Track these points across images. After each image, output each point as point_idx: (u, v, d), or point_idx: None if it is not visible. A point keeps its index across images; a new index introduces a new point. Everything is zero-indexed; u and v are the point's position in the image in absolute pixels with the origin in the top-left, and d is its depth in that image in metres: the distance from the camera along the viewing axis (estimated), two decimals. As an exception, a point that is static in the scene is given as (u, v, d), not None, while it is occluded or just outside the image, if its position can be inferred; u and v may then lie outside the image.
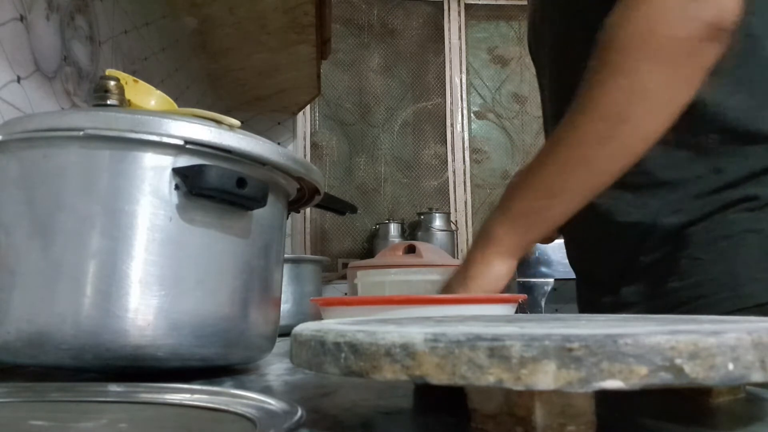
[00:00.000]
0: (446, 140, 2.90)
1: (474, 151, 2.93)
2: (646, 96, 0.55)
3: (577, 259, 0.79)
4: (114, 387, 0.35)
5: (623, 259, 0.69)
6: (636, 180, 0.63)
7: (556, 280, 2.09)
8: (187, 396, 0.33)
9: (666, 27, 0.54)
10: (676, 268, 0.64)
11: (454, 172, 2.87)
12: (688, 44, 0.53)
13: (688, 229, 0.63)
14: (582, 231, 0.72)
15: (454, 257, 2.19)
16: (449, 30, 2.97)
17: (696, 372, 0.23)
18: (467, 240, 2.80)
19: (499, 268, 0.64)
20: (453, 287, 0.66)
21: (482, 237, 0.65)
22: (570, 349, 0.23)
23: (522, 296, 0.63)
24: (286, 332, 0.40)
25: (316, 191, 0.58)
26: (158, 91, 0.56)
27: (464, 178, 2.88)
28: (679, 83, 0.55)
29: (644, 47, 0.54)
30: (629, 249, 0.68)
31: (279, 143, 0.63)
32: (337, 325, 0.32)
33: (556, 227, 0.68)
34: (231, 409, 0.30)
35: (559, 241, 0.80)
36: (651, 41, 0.54)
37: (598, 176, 0.60)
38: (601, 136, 0.57)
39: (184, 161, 0.45)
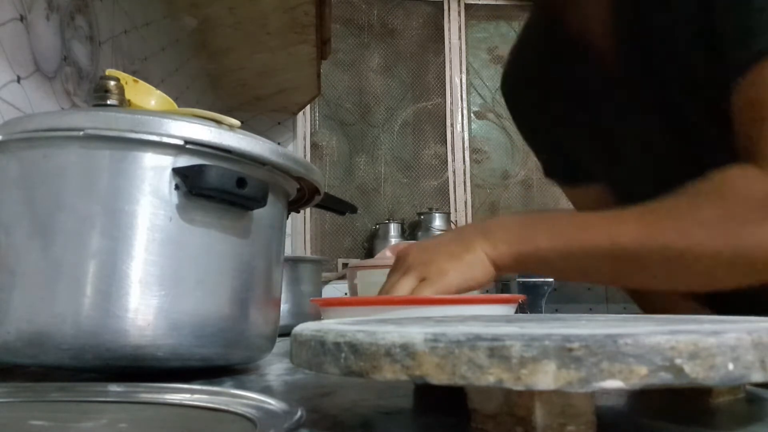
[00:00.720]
0: (446, 140, 2.90)
1: (474, 151, 2.93)
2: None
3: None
4: (114, 387, 0.35)
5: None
6: None
7: (556, 280, 2.09)
8: (187, 396, 0.33)
9: None
10: None
11: (454, 172, 2.87)
12: None
13: None
14: None
15: (454, 257, 2.18)
16: (449, 30, 2.97)
17: (696, 372, 0.23)
18: (467, 240, 2.79)
19: (481, 269, 0.61)
20: (423, 262, 0.63)
21: (484, 232, 0.63)
22: (570, 349, 0.23)
23: (521, 296, 0.63)
24: (286, 332, 0.40)
25: (316, 191, 0.58)
26: (158, 91, 0.56)
27: (464, 178, 2.88)
28: None
29: None
30: None
31: (279, 143, 0.63)
32: (337, 325, 0.32)
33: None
34: (231, 409, 0.30)
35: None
36: None
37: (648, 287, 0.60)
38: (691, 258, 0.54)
39: (184, 161, 0.45)
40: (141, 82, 0.55)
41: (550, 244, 0.60)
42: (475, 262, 0.61)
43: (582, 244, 0.58)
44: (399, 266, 0.65)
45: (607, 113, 0.71)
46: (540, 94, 0.80)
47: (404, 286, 0.61)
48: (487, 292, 0.63)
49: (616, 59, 0.67)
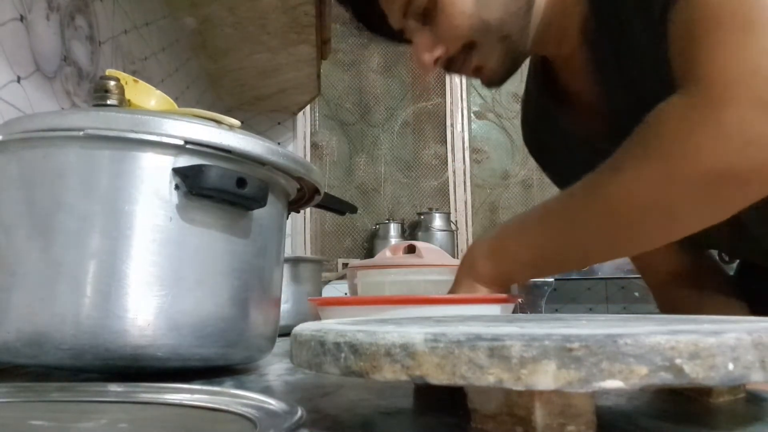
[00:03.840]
0: (446, 140, 2.90)
1: (474, 151, 2.93)
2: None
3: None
4: (114, 387, 0.35)
5: None
6: None
7: (556, 280, 2.09)
8: (187, 396, 0.33)
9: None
10: None
11: (454, 172, 2.87)
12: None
13: None
14: None
15: (454, 257, 2.18)
16: (449, 30, 2.96)
17: (696, 372, 0.23)
18: (467, 240, 2.80)
19: (482, 293, 0.63)
20: None
21: (467, 263, 0.66)
22: (570, 349, 0.23)
23: (520, 296, 0.63)
24: (286, 332, 0.40)
25: (316, 191, 0.58)
26: (158, 91, 0.56)
27: (464, 178, 2.88)
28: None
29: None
30: None
31: (279, 143, 0.63)
32: (337, 325, 0.32)
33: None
34: (231, 409, 0.30)
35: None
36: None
37: (601, 258, 0.59)
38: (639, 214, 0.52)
39: (184, 161, 0.45)
40: (141, 82, 0.55)
41: (514, 244, 0.62)
42: (469, 293, 0.64)
43: (540, 232, 0.60)
44: None
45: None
46: (542, 139, 0.81)
47: None
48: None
49: (603, 113, 0.67)
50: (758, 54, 0.46)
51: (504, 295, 0.61)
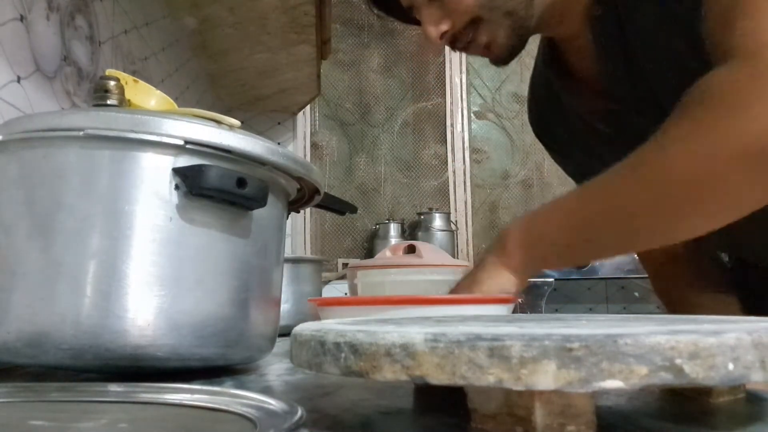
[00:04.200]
0: (446, 140, 2.90)
1: (474, 151, 2.93)
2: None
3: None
4: (114, 387, 0.35)
5: None
6: None
7: (556, 280, 2.09)
8: (187, 396, 0.33)
9: None
10: None
11: (454, 172, 2.87)
12: None
13: None
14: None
15: (454, 257, 2.19)
16: (449, 30, 2.96)
17: (696, 372, 0.23)
18: (467, 240, 2.79)
19: (506, 279, 0.62)
20: (458, 288, 0.65)
21: (498, 245, 0.63)
22: (570, 349, 0.23)
23: (520, 296, 0.63)
24: (286, 332, 0.40)
25: (316, 191, 0.58)
26: (158, 91, 0.56)
27: (464, 178, 2.88)
28: None
29: None
30: None
31: (279, 143, 0.63)
32: (337, 325, 0.32)
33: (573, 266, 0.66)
34: (231, 409, 0.30)
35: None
36: None
37: (648, 242, 0.55)
38: (677, 205, 0.51)
39: (184, 161, 0.45)
40: (141, 82, 0.55)
41: (549, 225, 0.60)
42: (492, 279, 0.62)
43: (579, 210, 0.57)
44: None
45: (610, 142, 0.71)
46: (548, 120, 0.81)
47: None
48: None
49: (609, 91, 0.66)
50: None
51: (504, 296, 0.61)
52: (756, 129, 0.46)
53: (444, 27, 0.66)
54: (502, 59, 0.68)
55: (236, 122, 0.48)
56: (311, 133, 2.78)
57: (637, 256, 0.85)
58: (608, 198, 0.55)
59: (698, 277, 0.79)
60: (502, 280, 0.62)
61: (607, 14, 0.61)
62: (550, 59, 0.75)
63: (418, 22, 0.69)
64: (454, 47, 0.69)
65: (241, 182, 0.44)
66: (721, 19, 0.51)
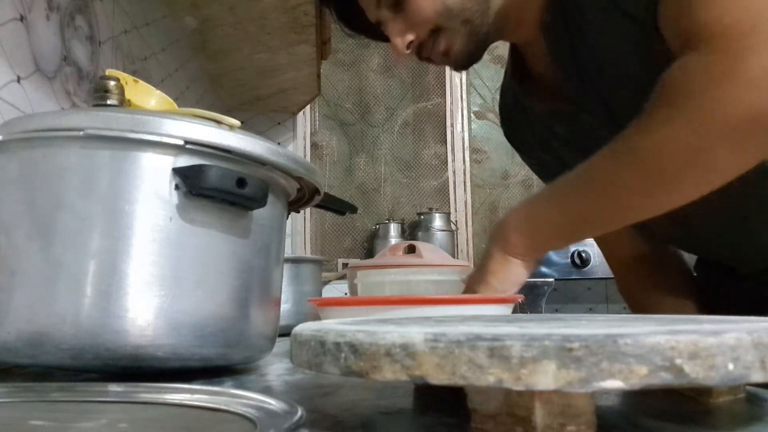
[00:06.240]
0: (446, 140, 2.90)
1: (474, 151, 2.93)
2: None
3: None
4: (114, 387, 0.35)
5: None
6: None
7: (556, 280, 2.09)
8: (187, 396, 0.33)
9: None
10: None
11: (454, 172, 2.87)
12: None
13: None
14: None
15: (454, 257, 2.19)
16: (449, 30, 2.96)
17: (696, 372, 0.23)
18: (467, 240, 2.79)
19: (517, 267, 0.64)
20: (473, 285, 0.67)
21: (499, 237, 0.65)
22: (570, 349, 0.23)
23: (520, 296, 0.63)
24: (286, 332, 0.40)
25: (316, 191, 0.58)
26: (158, 91, 0.56)
27: (464, 178, 2.88)
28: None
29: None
30: None
31: (279, 143, 0.63)
32: (337, 325, 0.32)
33: (573, 243, 0.68)
34: (231, 409, 0.30)
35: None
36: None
37: (644, 214, 0.58)
38: (659, 181, 0.54)
39: (184, 161, 0.45)
40: (141, 82, 0.55)
41: (549, 210, 0.63)
42: (504, 268, 0.64)
43: (580, 189, 0.60)
44: None
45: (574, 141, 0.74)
46: (516, 124, 0.84)
47: None
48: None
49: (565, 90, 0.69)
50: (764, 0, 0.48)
51: (503, 296, 0.61)
52: (739, 108, 0.49)
53: (410, 37, 0.70)
54: (460, 65, 0.72)
55: (236, 122, 0.48)
56: (311, 133, 2.78)
57: (603, 255, 0.87)
58: (600, 180, 0.59)
59: (661, 279, 0.82)
60: (514, 268, 0.64)
61: (556, 20, 0.64)
62: (515, 65, 0.78)
63: (387, 39, 0.72)
64: (420, 57, 0.73)
65: (241, 182, 0.44)
66: (680, 9, 0.53)
